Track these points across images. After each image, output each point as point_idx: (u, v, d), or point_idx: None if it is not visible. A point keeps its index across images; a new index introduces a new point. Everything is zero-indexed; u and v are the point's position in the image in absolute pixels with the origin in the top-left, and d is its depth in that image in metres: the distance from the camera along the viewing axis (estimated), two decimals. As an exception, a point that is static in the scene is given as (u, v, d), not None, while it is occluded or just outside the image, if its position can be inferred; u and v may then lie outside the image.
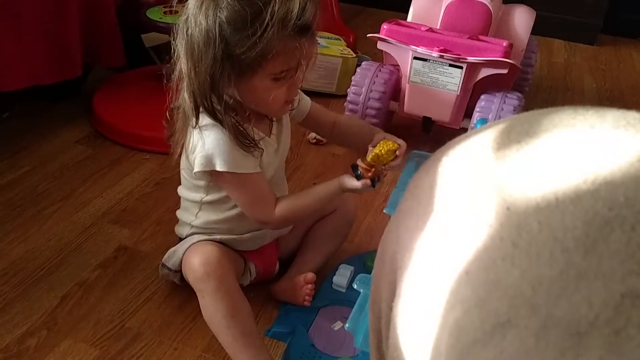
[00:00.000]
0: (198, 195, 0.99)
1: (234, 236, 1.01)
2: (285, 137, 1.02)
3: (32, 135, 1.54)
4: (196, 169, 0.90)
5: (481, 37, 1.50)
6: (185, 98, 0.88)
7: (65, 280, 1.08)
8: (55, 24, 1.44)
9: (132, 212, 1.29)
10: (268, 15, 0.78)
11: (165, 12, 1.58)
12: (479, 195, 0.29)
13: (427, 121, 1.57)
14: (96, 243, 1.19)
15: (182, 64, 0.86)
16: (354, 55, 1.96)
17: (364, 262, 1.13)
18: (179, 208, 1.07)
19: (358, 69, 1.63)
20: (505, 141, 0.31)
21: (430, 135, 1.60)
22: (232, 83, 0.84)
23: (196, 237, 1.00)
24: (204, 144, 0.88)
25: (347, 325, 0.72)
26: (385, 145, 0.93)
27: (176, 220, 1.07)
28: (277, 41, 0.80)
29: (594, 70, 2.41)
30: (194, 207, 1.01)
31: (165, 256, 1.03)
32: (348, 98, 1.59)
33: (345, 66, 1.90)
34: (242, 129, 0.88)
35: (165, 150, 1.46)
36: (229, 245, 1.00)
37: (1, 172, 1.38)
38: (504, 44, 1.43)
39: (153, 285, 1.09)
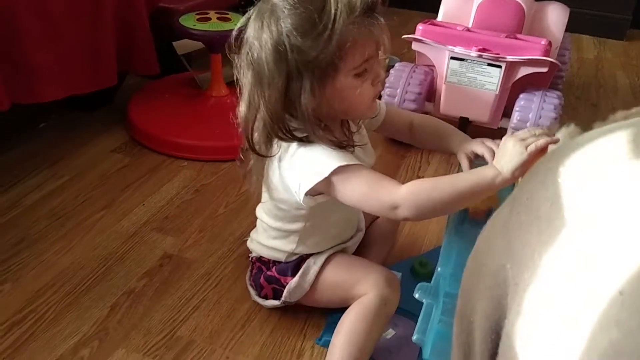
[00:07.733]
0: (298, 225, 0.94)
1: (343, 245, 1.00)
2: (369, 148, 0.97)
3: (69, 145, 1.54)
4: (307, 187, 0.82)
5: (518, 35, 1.48)
6: (259, 131, 0.84)
7: (113, 290, 1.09)
8: (91, 34, 1.44)
9: (174, 219, 1.29)
10: (332, 4, 0.75)
11: (198, 19, 1.58)
12: (629, 211, 0.27)
13: (464, 122, 1.55)
14: (141, 251, 1.19)
15: (250, 99, 0.83)
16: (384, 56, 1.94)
17: (411, 268, 1.12)
18: (254, 229, 1.04)
19: (392, 71, 1.61)
20: (636, 151, 0.30)
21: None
22: (316, 93, 0.79)
23: (314, 261, 0.96)
24: (298, 168, 0.84)
25: (414, 337, 0.71)
26: None
27: (247, 236, 1.06)
28: (351, 27, 0.76)
29: (626, 65, 2.37)
30: (294, 235, 0.95)
31: (286, 294, 0.97)
32: (382, 100, 1.58)
33: (376, 68, 1.88)
34: (330, 131, 0.84)
35: (202, 157, 1.49)
36: None
37: (42, 182, 1.39)
38: (543, 42, 1.41)
39: (200, 292, 1.09)
